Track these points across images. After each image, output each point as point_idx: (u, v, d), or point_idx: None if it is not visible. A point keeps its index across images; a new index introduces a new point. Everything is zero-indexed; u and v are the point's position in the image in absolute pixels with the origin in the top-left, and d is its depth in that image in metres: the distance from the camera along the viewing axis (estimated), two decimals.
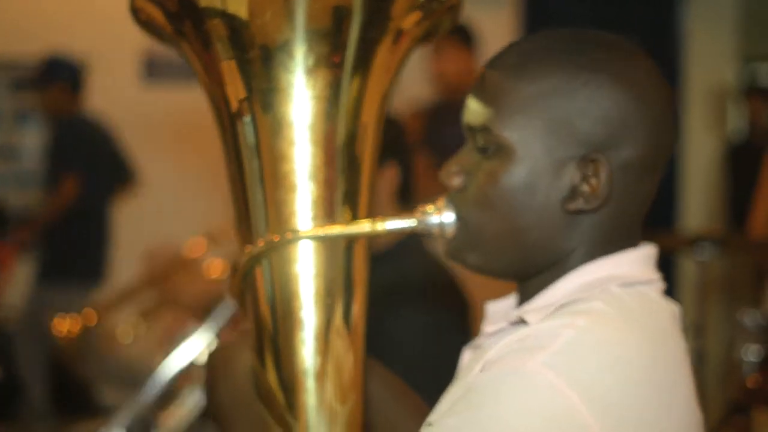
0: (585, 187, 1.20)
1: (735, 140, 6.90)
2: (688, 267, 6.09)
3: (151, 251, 2.43)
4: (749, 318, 4.18)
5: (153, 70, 6.17)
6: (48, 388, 5.24)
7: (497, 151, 1.22)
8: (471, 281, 2.20)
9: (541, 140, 1.21)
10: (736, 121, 7.14)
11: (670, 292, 1.26)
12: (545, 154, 1.21)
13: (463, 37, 4.97)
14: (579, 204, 1.21)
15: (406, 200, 2.40)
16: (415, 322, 2.24)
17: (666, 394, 1.16)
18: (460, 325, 2.33)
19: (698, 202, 7.01)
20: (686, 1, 7.20)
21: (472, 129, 1.26)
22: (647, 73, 1.24)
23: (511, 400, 1.10)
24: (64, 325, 3.06)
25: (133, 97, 6.23)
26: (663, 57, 6.82)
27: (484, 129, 1.23)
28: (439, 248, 1.37)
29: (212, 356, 1.42)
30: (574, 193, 1.21)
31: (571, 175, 1.21)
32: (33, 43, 6.29)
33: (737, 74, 7.20)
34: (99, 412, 5.43)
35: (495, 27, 5.94)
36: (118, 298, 3.21)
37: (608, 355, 1.12)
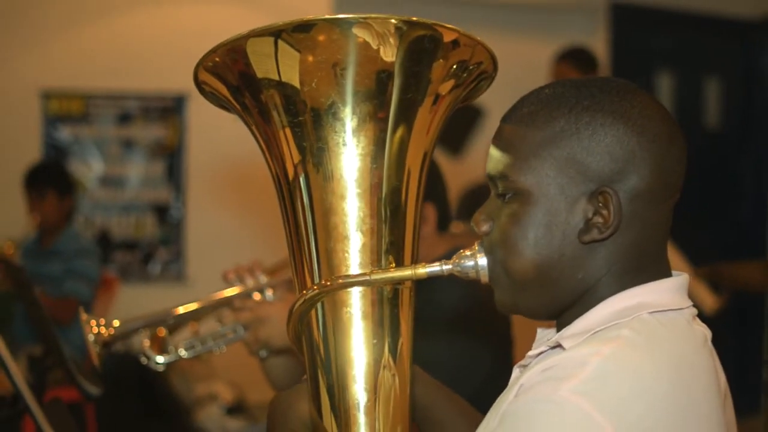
0: (597, 219, 1.29)
1: None
2: None
3: (231, 270, 2.56)
4: None
5: None
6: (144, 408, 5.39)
7: (516, 195, 1.33)
8: None
9: (553, 180, 1.31)
10: None
11: None
12: (559, 193, 1.31)
13: (583, 60, 4.99)
14: (593, 235, 1.29)
15: (445, 229, 2.63)
16: (455, 343, 2.36)
17: (691, 417, 1.22)
18: (498, 340, 2.44)
19: None
20: None
21: (493, 178, 1.37)
22: (648, 110, 1.32)
23: (545, 426, 1.17)
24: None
25: (230, 132, 6.40)
26: (745, 88, 6.74)
27: (503, 176, 1.34)
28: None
29: (272, 403, 1.53)
30: (587, 225, 1.30)
31: (583, 209, 1.30)
32: (136, 78, 6.55)
33: None
34: None
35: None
36: (201, 309, 3.31)
37: (634, 382, 1.19)
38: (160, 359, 2.60)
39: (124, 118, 6.68)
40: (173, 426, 5.57)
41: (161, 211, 6.74)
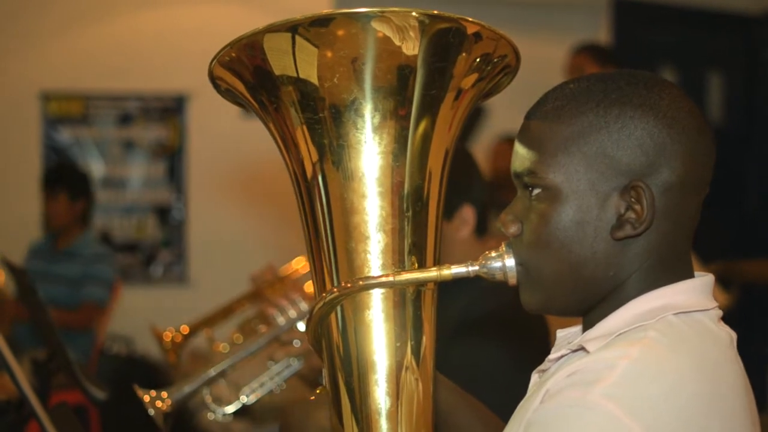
0: (630, 214, 1.26)
1: None
2: None
3: (255, 273, 2.52)
4: None
5: None
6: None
7: (545, 192, 1.29)
8: None
9: (584, 176, 1.27)
10: None
11: None
12: (589, 189, 1.27)
13: (601, 53, 4.98)
14: (627, 231, 1.26)
15: (483, 234, 2.50)
16: (492, 347, 2.31)
17: (718, 418, 1.19)
18: (539, 352, 2.39)
19: None
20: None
21: (519, 175, 1.33)
22: (677, 102, 1.29)
23: (574, 431, 1.15)
24: (169, 336, 3.20)
25: (232, 132, 6.39)
26: (748, 84, 6.76)
27: (531, 173, 1.30)
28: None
29: (287, 413, 1.49)
30: (620, 221, 1.26)
31: (615, 204, 1.27)
32: (136, 79, 6.52)
33: None
34: None
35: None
36: (216, 314, 3.29)
37: (663, 384, 1.16)
38: (228, 409, 2.59)
39: (125, 119, 6.67)
40: (178, 429, 5.54)
41: (163, 213, 6.72)
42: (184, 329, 3.10)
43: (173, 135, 6.68)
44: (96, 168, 6.62)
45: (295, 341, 2.39)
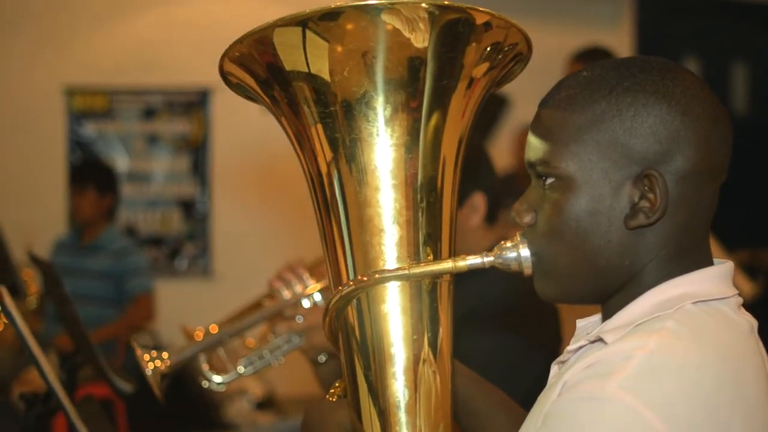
0: (644, 203, 1.25)
1: None
2: None
3: (276, 278, 2.50)
4: None
5: None
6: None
7: (558, 182, 1.28)
8: None
9: (597, 165, 1.26)
10: None
11: None
12: (603, 178, 1.26)
13: (591, 60, 4.95)
14: (640, 220, 1.25)
15: (493, 222, 2.50)
16: (503, 338, 2.31)
17: (740, 408, 1.18)
18: (549, 339, 2.39)
19: None
20: None
21: (533, 164, 1.32)
22: (691, 89, 1.27)
23: (591, 424, 1.14)
24: (200, 336, 3.20)
25: (256, 125, 6.39)
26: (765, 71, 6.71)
27: (544, 163, 1.29)
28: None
29: (308, 413, 1.49)
30: (634, 210, 1.25)
31: (629, 193, 1.26)
32: (159, 73, 6.55)
33: None
34: (222, 427, 5.60)
35: (613, 48, 5.92)
36: (245, 310, 3.28)
37: (682, 376, 1.15)
38: (219, 379, 2.58)
39: (149, 113, 6.70)
40: (203, 421, 5.57)
41: (187, 206, 6.75)
42: (213, 328, 3.10)
43: (197, 129, 6.70)
44: (120, 162, 6.67)
45: (297, 317, 2.38)
